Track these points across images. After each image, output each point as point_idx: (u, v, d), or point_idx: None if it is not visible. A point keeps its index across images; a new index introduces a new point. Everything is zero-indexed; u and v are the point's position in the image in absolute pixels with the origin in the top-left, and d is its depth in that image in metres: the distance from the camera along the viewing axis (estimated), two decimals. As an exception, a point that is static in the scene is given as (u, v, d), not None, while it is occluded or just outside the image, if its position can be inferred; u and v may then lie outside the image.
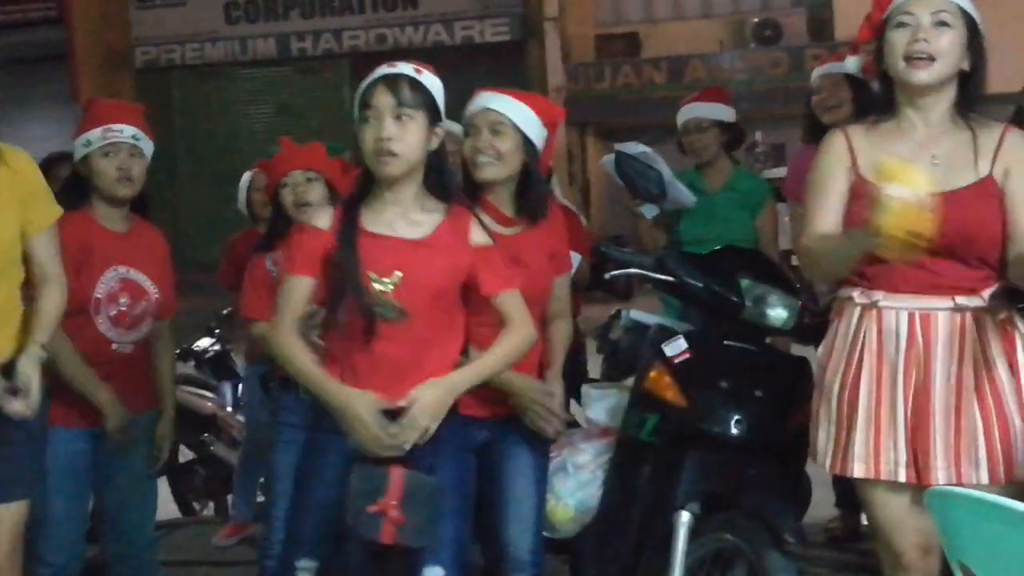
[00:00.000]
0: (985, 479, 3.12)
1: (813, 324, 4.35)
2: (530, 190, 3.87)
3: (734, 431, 4.06)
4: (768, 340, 4.42)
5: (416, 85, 3.34)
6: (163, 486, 6.30)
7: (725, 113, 5.65)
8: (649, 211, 5.20)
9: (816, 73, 5.50)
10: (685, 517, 3.97)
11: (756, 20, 22.02)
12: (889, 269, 3.15)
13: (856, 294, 3.25)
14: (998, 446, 3.12)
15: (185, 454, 7.27)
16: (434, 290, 3.33)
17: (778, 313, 4.31)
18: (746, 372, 4.20)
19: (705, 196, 5.45)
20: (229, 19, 23.17)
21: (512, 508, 3.93)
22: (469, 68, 19.76)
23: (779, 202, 5.99)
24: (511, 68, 21.25)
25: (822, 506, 5.34)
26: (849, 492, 4.48)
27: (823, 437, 3.32)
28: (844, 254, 3.20)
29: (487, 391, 3.66)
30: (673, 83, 20.46)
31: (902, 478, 3.18)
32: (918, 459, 3.16)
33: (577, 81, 22.20)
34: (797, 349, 4.58)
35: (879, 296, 3.20)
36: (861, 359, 3.22)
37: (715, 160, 5.63)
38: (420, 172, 3.38)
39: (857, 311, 3.24)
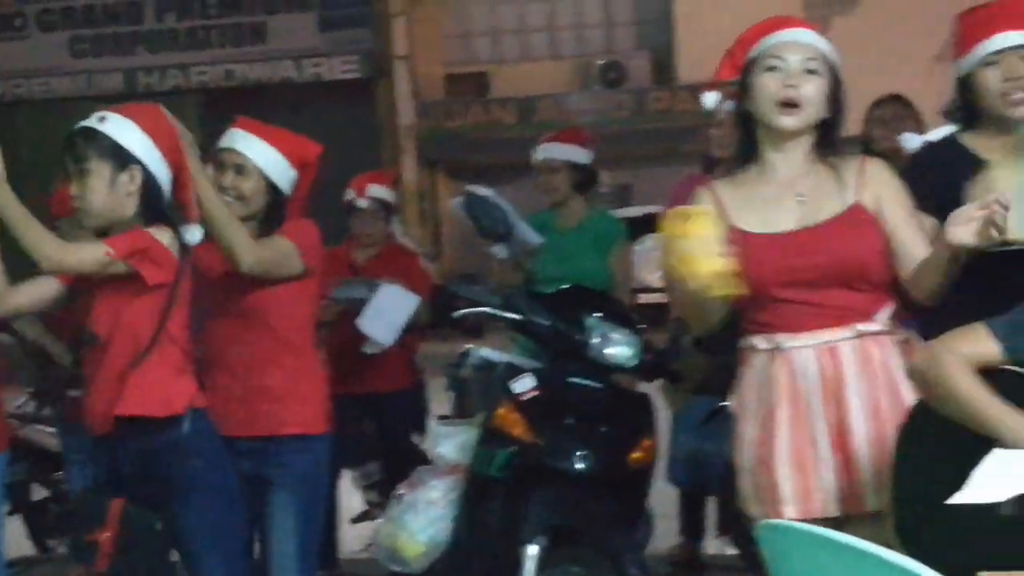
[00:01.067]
0: None
1: (655, 362, 4.49)
2: (272, 229, 3.94)
3: (579, 466, 4.17)
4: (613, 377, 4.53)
5: (93, 136, 3.53)
6: (18, 524, 6.22)
7: (578, 154, 5.74)
8: (501, 251, 5.29)
9: (724, 107, 5.61)
10: (533, 550, 4.06)
11: (601, 62, 22.36)
12: (786, 310, 3.18)
13: (758, 341, 3.25)
14: None
15: (39, 492, 7.16)
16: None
17: (622, 351, 4.42)
18: (591, 409, 4.31)
19: (558, 235, 5.55)
20: (74, 53, 22.80)
21: (273, 548, 3.96)
22: (318, 105, 19.72)
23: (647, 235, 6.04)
24: (360, 105, 21.25)
25: (664, 537, 5.47)
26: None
27: (744, 484, 3.30)
28: (693, 305, 3.25)
29: (249, 407, 3.77)
30: (522, 123, 20.65)
31: (833, 513, 3.18)
32: (847, 491, 3.18)
33: (427, 119, 22.28)
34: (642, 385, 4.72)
35: (782, 338, 3.21)
36: (774, 404, 3.21)
37: (567, 200, 5.72)
38: (126, 214, 3.53)
39: (763, 357, 3.24)
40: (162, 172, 3.57)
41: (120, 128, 3.53)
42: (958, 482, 2.37)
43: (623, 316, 4.55)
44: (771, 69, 3.21)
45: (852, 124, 5.37)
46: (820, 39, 3.28)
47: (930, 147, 3.57)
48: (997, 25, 3.40)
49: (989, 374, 2.77)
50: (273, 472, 3.93)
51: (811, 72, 3.20)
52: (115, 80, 22.52)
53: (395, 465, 5.65)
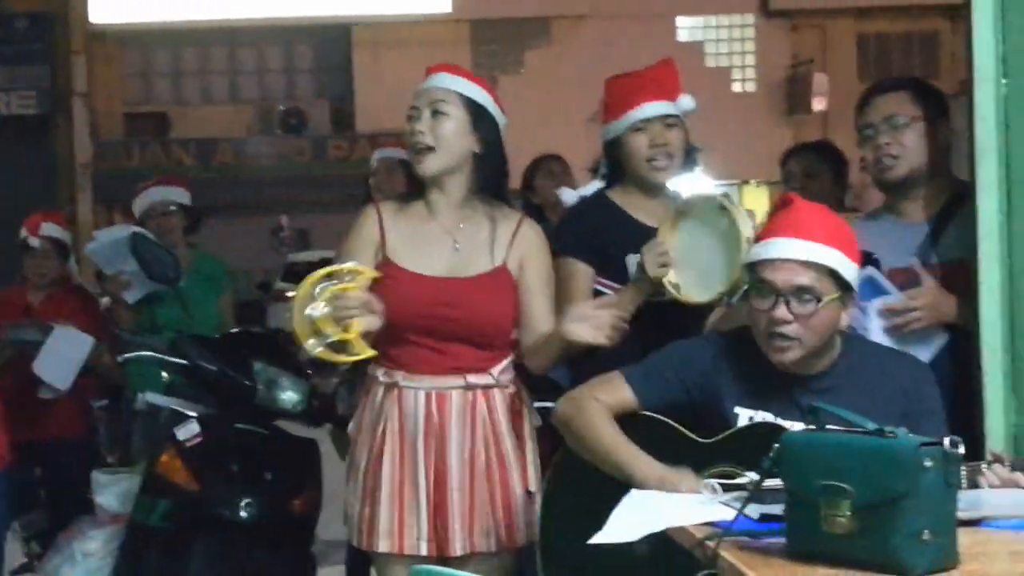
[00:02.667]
0: (495, 547, 3.30)
1: (322, 407, 4.49)
2: None
3: (243, 514, 4.12)
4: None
5: None
6: None
7: (186, 197, 5.73)
8: (132, 296, 5.23)
9: (376, 156, 5.70)
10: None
11: (282, 108, 22.31)
12: (409, 351, 3.28)
13: (380, 374, 3.33)
14: (502, 515, 3.30)
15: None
16: None
17: (289, 396, 4.41)
18: (257, 455, 4.27)
19: None
20: None
21: None
22: (-5, 139, 18.91)
23: None
24: (38, 142, 20.49)
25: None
26: (361, 563, 4.60)
27: (353, 513, 3.37)
28: None
29: None
30: (201, 164, 20.38)
31: (424, 551, 3.28)
32: (439, 533, 3.28)
33: (105, 158, 21.72)
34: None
35: (400, 376, 3.30)
36: (384, 437, 3.30)
37: (178, 244, 5.68)
38: None
39: (381, 390, 3.33)
40: None
41: None
42: (598, 524, 2.46)
43: (290, 361, 4.53)
44: (410, 118, 3.32)
45: (514, 178, 5.58)
46: (457, 79, 3.36)
47: (585, 200, 3.73)
48: (644, 94, 3.58)
49: (630, 419, 2.91)
50: None
51: (439, 113, 3.29)
52: None
53: (60, 515, 5.46)
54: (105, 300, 5.83)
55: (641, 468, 2.77)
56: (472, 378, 3.30)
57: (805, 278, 2.73)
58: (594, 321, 3.17)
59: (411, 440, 3.28)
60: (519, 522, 3.32)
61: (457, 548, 3.27)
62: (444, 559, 3.26)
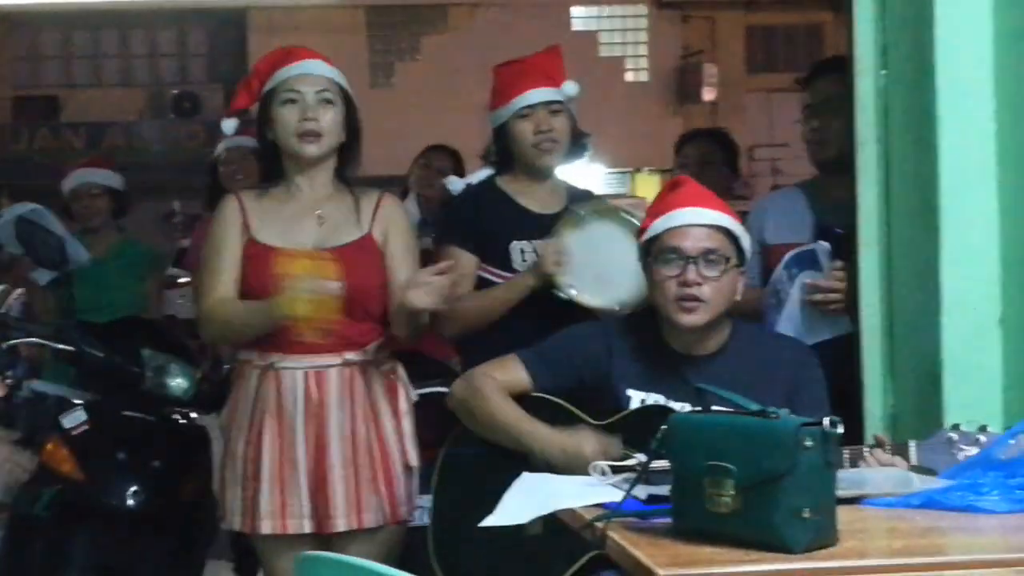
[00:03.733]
0: (380, 521, 3.33)
1: (213, 393, 4.45)
2: None
3: (130, 503, 4.07)
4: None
5: None
6: None
7: (115, 180, 5.69)
8: (43, 276, 5.15)
9: (223, 145, 5.63)
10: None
11: (175, 92, 22.03)
12: (283, 331, 3.28)
13: (255, 356, 3.36)
14: (384, 490, 3.34)
15: None
16: None
17: (179, 383, 4.36)
18: (145, 443, 4.22)
19: (93, 263, 5.43)
20: None
21: None
22: None
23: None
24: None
25: (222, 572, 5.41)
26: (248, 554, 4.58)
27: (231, 497, 3.38)
28: (254, 324, 3.32)
29: None
30: (91, 148, 20.01)
31: (307, 529, 3.31)
32: (320, 511, 3.30)
33: (-9, 140, 21.33)
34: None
35: (275, 358, 3.32)
36: (263, 420, 3.32)
37: (103, 227, 5.63)
38: None
39: (256, 373, 3.35)
40: None
41: None
42: (490, 506, 2.49)
43: (179, 347, 4.49)
44: (289, 102, 3.37)
45: (400, 163, 5.58)
46: (331, 69, 3.46)
47: (471, 188, 3.78)
48: (529, 81, 3.66)
49: (522, 400, 2.97)
50: None
51: (327, 102, 3.38)
52: None
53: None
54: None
55: (540, 438, 2.87)
56: (349, 355, 3.33)
57: (712, 242, 2.89)
58: (428, 288, 3.20)
59: (290, 420, 3.31)
60: (401, 496, 3.37)
61: (340, 524, 3.31)
62: (327, 538, 3.31)
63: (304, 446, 3.30)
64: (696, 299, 2.85)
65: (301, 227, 3.38)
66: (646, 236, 2.96)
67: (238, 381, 3.42)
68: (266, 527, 3.32)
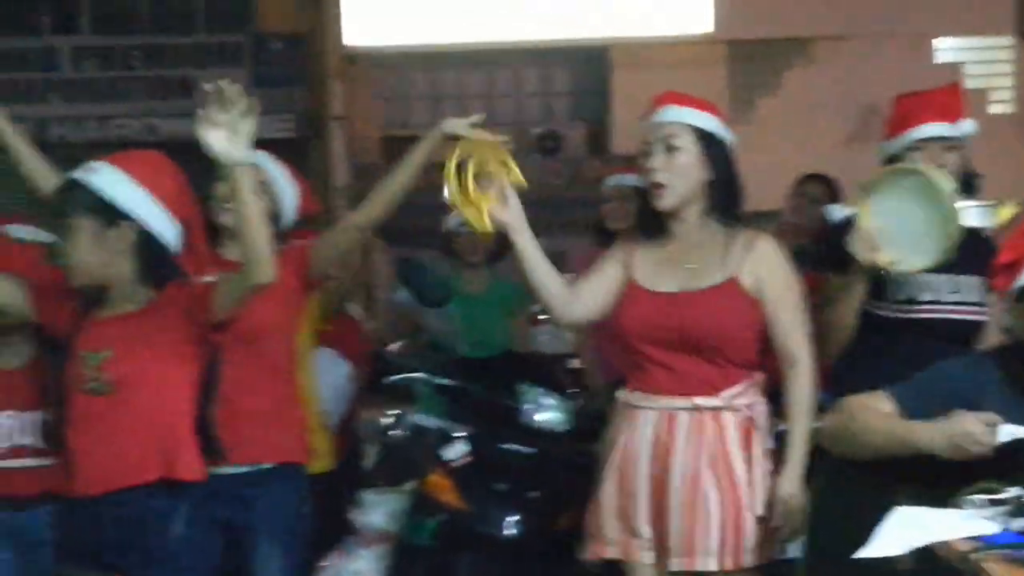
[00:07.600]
0: (714, 566, 3.30)
1: (591, 425, 4.51)
2: None
3: (509, 532, 4.17)
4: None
5: (78, 188, 3.23)
6: None
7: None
8: (428, 315, 5.30)
9: (609, 182, 5.66)
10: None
11: (538, 131, 22.59)
12: (643, 372, 3.37)
13: (621, 394, 3.44)
14: (730, 536, 3.30)
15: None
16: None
17: (554, 416, 4.45)
18: (523, 474, 4.32)
19: (471, 299, 5.55)
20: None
21: None
22: (251, 165, 19.58)
23: None
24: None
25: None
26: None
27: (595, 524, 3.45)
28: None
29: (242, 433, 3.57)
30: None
31: (648, 560, 3.34)
32: (658, 547, 3.33)
33: (361, 181, 22.27)
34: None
35: (634, 396, 3.40)
36: (616, 453, 3.39)
37: (480, 264, 5.73)
38: (124, 271, 3.25)
39: (622, 408, 3.43)
40: (165, 226, 3.27)
41: (109, 180, 3.21)
42: (864, 538, 2.54)
43: (555, 382, 4.58)
44: (644, 155, 3.43)
45: (773, 198, 5.51)
46: (682, 110, 3.42)
47: (851, 218, 3.70)
48: (926, 114, 3.62)
49: None
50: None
51: (672, 149, 3.38)
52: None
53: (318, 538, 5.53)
54: None
55: (921, 432, 2.86)
56: (699, 400, 3.33)
57: None
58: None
59: (635, 457, 3.35)
60: (748, 543, 3.32)
61: (674, 564, 3.31)
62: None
63: (647, 483, 3.34)
64: None
65: (672, 272, 3.41)
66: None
67: (612, 416, 3.49)
68: (611, 552, 3.38)
